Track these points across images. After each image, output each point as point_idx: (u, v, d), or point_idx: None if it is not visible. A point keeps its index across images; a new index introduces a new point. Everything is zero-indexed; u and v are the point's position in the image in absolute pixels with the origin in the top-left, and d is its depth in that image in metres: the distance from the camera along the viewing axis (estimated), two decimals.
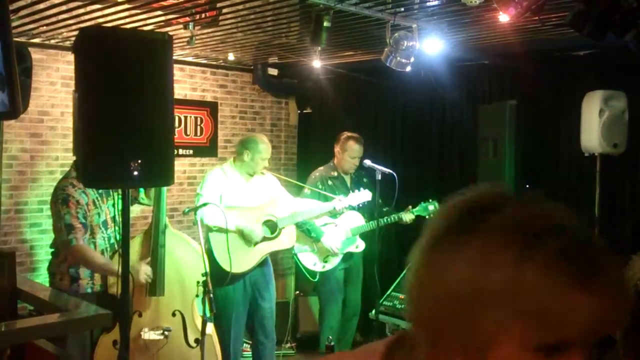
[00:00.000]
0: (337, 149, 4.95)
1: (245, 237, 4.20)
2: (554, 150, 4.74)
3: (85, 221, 3.56)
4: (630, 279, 1.26)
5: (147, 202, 3.86)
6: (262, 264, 4.37)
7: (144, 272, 3.62)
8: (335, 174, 4.93)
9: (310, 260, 4.84)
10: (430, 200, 4.70)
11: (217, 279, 3.99)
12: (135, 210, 4.91)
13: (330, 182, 4.89)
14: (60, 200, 3.54)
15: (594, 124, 4.14)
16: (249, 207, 4.30)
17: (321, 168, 5.03)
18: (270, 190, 4.47)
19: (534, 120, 4.73)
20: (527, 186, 4.63)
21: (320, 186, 4.84)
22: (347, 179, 4.94)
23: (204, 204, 3.94)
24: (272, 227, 4.33)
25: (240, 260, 4.17)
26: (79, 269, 3.65)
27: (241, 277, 4.27)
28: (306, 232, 4.81)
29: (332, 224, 4.75)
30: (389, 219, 4.64)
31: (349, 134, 4.92)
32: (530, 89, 4.91)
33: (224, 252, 4.08)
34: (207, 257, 3.87)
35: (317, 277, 4.83)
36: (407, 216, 4.62)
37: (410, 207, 4.69)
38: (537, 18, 2.97)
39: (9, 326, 2.08)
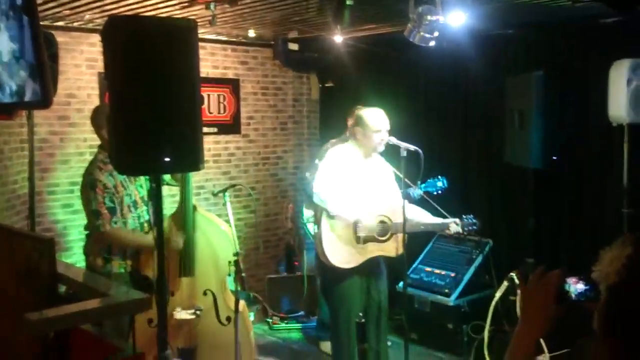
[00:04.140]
0: (350, 122, 4.95)
1: (357, 232, 3.92)
2: (581, 121, 4.68)
3: (114, 204, 3.63)
4: (603, 274, 1.27)
5: (173, 183, 3.92)
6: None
7: (176, 243, 3.69)
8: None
9: None
10: (439, 177, 4.66)
11: (331, 272, 3.95)
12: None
13: None
14: (88, 185, 3.64)
15: (622, 93, 4.07)
16: (365, 196, 3.97)
17: (334, 140, 5.06)
18: (385, 177, 4.15)
19: (561, 91, 4.66)
20: (554, 158, 4.60)
21: None
22: None
23: (232, 185, 3.98)
24: (385, 229, 4.00)
25: (345, 255, 3.94)
26: (111, 250, 3.74)
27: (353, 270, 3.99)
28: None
29: None
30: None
31: (362, 108, 4.92)
32: (556, 59, 4.83)
33: (333, 243, 3.92)
34: (317, 247, 3.93)
35: None
36: (416, 192, 4.53)
37: (418, 182, 4.62)
38: None
39: (52, 312, 2.14)
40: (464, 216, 4.02)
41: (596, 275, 1.26)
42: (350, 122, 5.00)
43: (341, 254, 3.92)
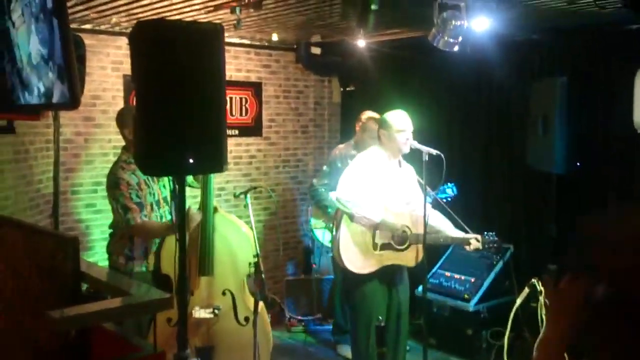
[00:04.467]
0: (357, 127, 5.00)
1: (374, 239, 3.91)
2: (605, 127, 4.63)
3: (140, 200, 3.71)
4: None
5: (195, 185, 3.97)
6: None
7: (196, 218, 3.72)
8: (355, 152, 4.90)
9: (327, 237, 4.90)
10: (449, 184, 4.63)
11: (352, 275, 3.95)
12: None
13: (349, 161, 4.89)
14: (112, 184, 3.72)
15: None
16: (389, 203, 3.96)
17: (341, 146, 5.12)
18: (410, 183, 4.11)
19: (585, 97, 4.62)
20: (578, 164, 4.56)
21: (339, 164, 4.89)
22: None
23: (253, 187, 4.01)
24: (403, 239, 3.98)
25: (361, 260, 3.95)
26: (133, 249, 3.81)
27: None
28: (323, 208, 4.87)
29: None
30: None
31: (370, 114, 4.96)
32: (581, 65, 4.79)
33: (350, 248, 3.94)
34: (334, 250, 3.94)
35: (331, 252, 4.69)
36: (430, 196, 4.47)
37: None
38: None
39: (73, 311, 2.17)
40: (485, 233, 3.97)
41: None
42: (358, 126, 5.04)
43: (357, 260, 3.93)
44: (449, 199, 4.58)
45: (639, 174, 4.36)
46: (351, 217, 3.91)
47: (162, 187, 3.88)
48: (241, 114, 6.11)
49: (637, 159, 4.40)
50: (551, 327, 1.36)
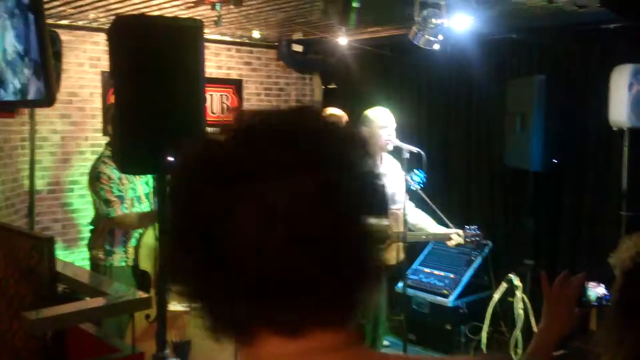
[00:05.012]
0: None
1: None
2: (582, 125, 4.68)
3: (122, 193, 3.72)
4: (619, 260, 1.37)
5: None
6: None
7: None
8: None
9: None
10: (415, 171, 4.59)
11: None
12: None
13: None
14: (94, 178, 3.74)
15: (623, 98, 4.08)
16: None
17: None
18: (394, 180, 4.03)
19: (562, 95, 4.67)
20: (555, 161, 4.61)
21: None
22: None
23: None
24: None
25: None
26: (113, 244, 3.82)
27: None
28: None
29: None
30: None
31: (332, 110, 4.92)
32: (558, 63, 4.85)
33: None
34: None
35: None
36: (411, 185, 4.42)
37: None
38: None
39: (51, 312, 2.14)
40: (467, 227, 3.97)
41: (613, 261, 1.35)
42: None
43: None
44: (421, 185, 4.51)
45: (614, 170, 4.41)
46: None
47: (145, 183, 3.89)
48: (222, 112, 6.08)
49: (613, 156, 4.46)
50: (546, 323, 1.42)
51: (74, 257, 4.95)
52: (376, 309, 4.08)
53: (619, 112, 4.12)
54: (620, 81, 4.10)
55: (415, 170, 4.48)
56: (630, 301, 1.31)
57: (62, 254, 4.97)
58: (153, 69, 2.26)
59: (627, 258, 1.33)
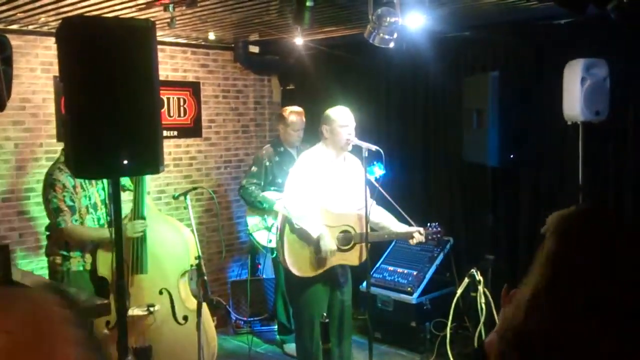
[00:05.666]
0: (280, 125, 5.08)
1: (317, 247, 3.87)
2: (537, 120, 4.78)
3: (73, 203, 3.70)
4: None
5: (132, 188, 3.91)
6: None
7: (132, 228, 3.74)
8: (282, 149, 5.08)
9: (264, 237, 4.90)
10: (375, 162, 4.63)
11: (295, 276, 3.93)
12: (122, 195, 4.91)
13: (277, 158, 5.04)
14: (48, 185, 3.71)
15: (576, 92, 4.18)
16: (333, 202, 3.95)
17: (267, 146, 5.17)
18: (356, 180, 4.04)
19: (517, 90, 4.76)
20: (512, 156, 4.69)
21: (267, 163, 5.01)
22: (294, 152, 5.01)
23: (193, 188, 3.98)
24: (348, 239, 3.97)
25: (306, 264, 3.93)
26: (69, 249, 3.81)
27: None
28: (257, 204, 4.88)
29: None
30: None
31: (292, 108, 5.10)
32: (512, 59, 4.94)
33: (294, 252, 3.93)
34: (279, 254, 3.94)
35: (275, 253, 4.67)
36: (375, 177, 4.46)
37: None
38: None
39: None
40: (428, 224, 4.01)
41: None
42: (282, 123, 5.12)
43: (302, 263, 3.93)
44: (380, 178, 4.52)
45: (570, 164, 4.51)
46: (292, 230, 3.91)
47: (101, 190, 3.88)
48: (179, 115, 6.01)
49: (568, 149, 4.56)
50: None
51: (34, 266, 4.84)
52: (342, 312, 4.10)
53: (572, 107, 4.22)
54: (572, 76, 4.20)
55: (375, 163, 4.52)
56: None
57: (21, 263, 4.86)
58: (104, 71, 2.23)
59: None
